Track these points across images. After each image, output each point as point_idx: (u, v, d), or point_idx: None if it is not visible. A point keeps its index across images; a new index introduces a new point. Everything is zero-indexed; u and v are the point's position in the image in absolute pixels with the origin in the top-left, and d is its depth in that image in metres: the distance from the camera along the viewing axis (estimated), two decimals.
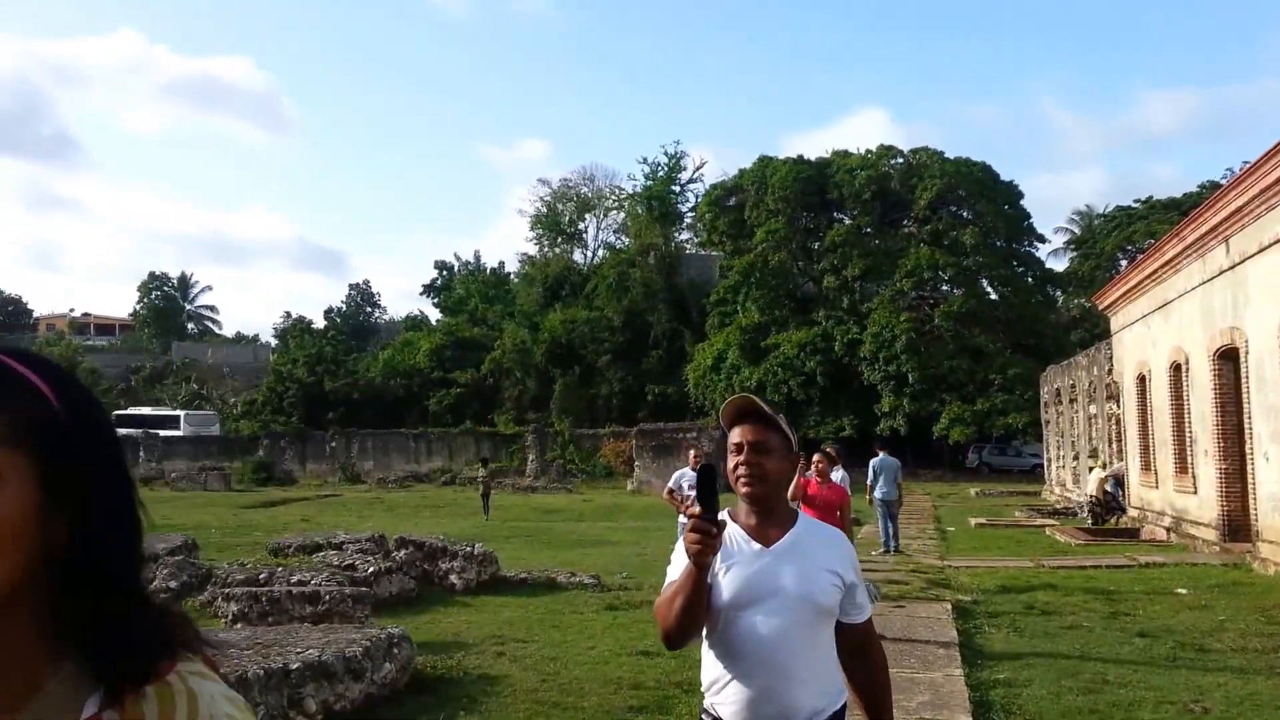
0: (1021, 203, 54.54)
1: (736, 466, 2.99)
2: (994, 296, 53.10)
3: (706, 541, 2.66)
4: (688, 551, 2.70)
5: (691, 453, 16.63)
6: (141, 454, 52.07)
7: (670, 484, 14.59)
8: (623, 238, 68.35)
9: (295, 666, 7.40)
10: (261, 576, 12.42)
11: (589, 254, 70.04)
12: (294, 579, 12.15)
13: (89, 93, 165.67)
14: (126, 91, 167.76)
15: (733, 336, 52.73)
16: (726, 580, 2.92)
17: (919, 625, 11.60)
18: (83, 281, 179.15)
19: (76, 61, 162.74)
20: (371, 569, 13.27)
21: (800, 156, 56.76)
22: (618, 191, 68.95)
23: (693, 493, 13.06)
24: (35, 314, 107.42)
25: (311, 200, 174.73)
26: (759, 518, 3.02)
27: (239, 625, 10.40)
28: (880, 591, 12.83)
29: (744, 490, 3.01)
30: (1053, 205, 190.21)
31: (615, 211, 69.23)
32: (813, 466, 11.75)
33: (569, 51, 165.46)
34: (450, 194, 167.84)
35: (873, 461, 20.43)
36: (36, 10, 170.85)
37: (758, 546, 2.97)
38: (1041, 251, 57.43)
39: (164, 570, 13.12)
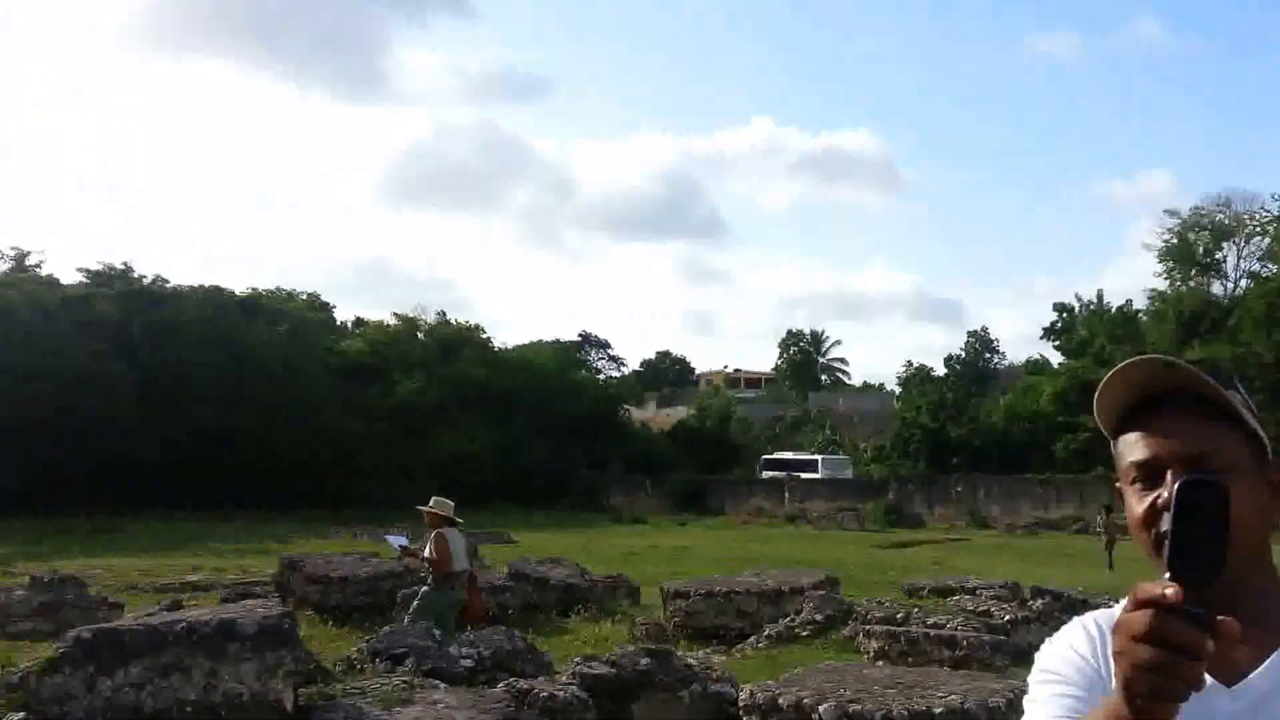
0: None
1: (1149, 515, 1.50)
2: None
3: (1176, 670, 1.09)
4: (1129, 682, 1.12)
5: None
6: (786, 495, 56.81)
7: None
8: (1269, 265, 61.72)
9: (939, 711, 7.36)
10: (898, 616, 12.79)
11: (1229, 285, 64.01)
12: (929, 621, 12.37)
13: (731, 177, 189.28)
14: (761, 173, 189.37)
15: None
16: None
17: None
18: (733, 341, 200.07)
19: (721, 150, 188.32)
20: (1008, 617, 13.10)
21: None
22: (1261, 215, 62.42)
23: None
24: (696, 371, 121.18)
25: (928, 254, 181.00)
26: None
27: (880, 662, 10.81)
28: None
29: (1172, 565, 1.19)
30: None
31: (1259, 237, 62.74)
32: None
33: (1186, 75, 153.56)
34: (1067, 235, 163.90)
35: None
36: (690, 111, 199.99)
37: (1210, 681, 1.30)
38: None
39: (809, 603, 13.94)
